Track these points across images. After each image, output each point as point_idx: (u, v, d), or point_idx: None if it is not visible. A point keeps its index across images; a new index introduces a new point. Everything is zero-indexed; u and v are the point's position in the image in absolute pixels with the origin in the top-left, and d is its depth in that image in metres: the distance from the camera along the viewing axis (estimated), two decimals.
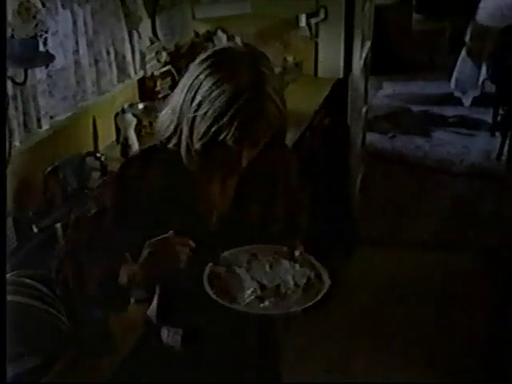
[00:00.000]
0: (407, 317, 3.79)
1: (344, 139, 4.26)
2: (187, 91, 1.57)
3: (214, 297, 1.54)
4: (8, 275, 1.88)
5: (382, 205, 4.90)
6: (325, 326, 3.67)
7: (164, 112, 1.67)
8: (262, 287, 1.57)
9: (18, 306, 1.74)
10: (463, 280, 4.10)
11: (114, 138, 3.12)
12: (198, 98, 1.54)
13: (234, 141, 1.53)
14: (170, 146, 1.64)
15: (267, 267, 1.62)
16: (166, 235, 1.55)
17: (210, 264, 1.60)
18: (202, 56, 1.59)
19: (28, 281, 1.81)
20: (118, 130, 3.08)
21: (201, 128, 1.54)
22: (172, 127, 1.62)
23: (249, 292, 1.56)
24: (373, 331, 3.68)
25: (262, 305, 1.55)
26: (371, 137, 5.67)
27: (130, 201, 1.65)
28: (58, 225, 2.49)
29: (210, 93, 1.52)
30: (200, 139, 1.55)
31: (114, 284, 1.58)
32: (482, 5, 6.16)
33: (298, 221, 1.85)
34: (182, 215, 1.66)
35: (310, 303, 1.55)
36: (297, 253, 1.66)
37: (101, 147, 3.02)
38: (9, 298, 1.72)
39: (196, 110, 1.54)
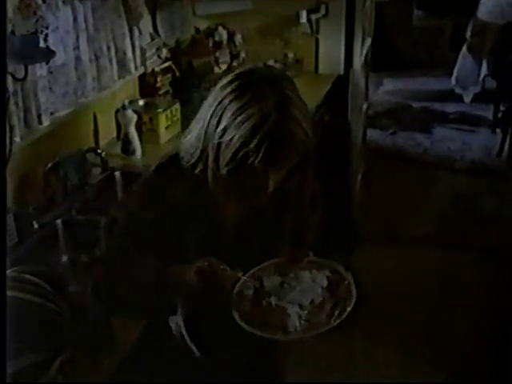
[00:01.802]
0: (407, 314, 3.79)
1: (345, 135, 4.26)
2: (211, 117, 1.56)
3: (267, 335, 1.53)
4: (8, 271, 1.87)
5: (383, 201, 4.89)
6: None
7: (188, 138, 1.65)
8: (300, 307, 1.58)
9: (17, 302, 1.73)
10: (463, 277, 4.10)
11: (115, 134, 3.12)
12: (223, 123, 1.52)
13: (262, 165, 1.51)
14: (196, 171, 1.62)
15: (298, 287, 1.62)
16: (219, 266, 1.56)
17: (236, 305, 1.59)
18: (225, 80, 1.58)
19: (28, 277, 1.80)
20: (118, 126, 3.08)
21: (227, 154, 1.53)
22: (197, 153, 1.61)
23: (295, 318, 1.55)
24: (372, 329, 3.68)
25: (310, 324, 1.54)
26: (372, 133, 5.67)
27: (155, 209, 1.66)
28: (59, 221, 2.50)
29: (235, 118, 1.51)
30: (226, 165, 1.54)
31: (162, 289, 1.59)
32: (482, 1, 6.15)
33: (307, 238, 1.83)
34: (198, 230, 1.66)
35: (349, 308, 1.55)
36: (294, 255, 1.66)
37: (101, 143, 3.02)
38: (9, 293, 1.72)
39: (221, 136, 1.53)
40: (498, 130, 5.95)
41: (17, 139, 2.46)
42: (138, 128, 3.05)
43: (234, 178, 1.57)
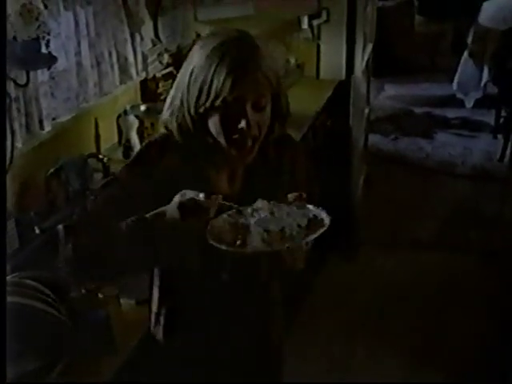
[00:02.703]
0: (408, 317, 3.80)
1: (346, 141, 4.26)
2: (183, 66, 1.63)
3: (221, 247, 1.51)
4: (9, 276, 1.88)
5: (385, 206, 4.90)
6: (326, 326, 3.68)
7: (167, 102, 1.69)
8: (267, 232, 1.55)
9: (19, 308, 1.74)
10: (465, 281, 4.11)
11: (116, 139, 3.12)
12: (192, 65, 1.59)
13: (231, 90, 1.53)
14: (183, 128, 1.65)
15: (268, 214, 1.60)
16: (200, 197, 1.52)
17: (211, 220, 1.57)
18: None
19: (29, 282, 1.81)
20: (120, 131, 3.08)
21: (196, 87, 1.56)
22: (176, 105, 1.64)
23: (256, 237, 1.54)
24: (373, 332, 3.68)
25: (268, 245, 1.54)
26: (373, 138, 5.68)
27: (146, 182, 1.66)
28: (60, 226, 2.49)
29: (200, 53, 1.58)
30: (197, 101, 1.57)
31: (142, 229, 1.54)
32: (484, 7, 6.16)
33: None
34: None
35: (314, 235, 1.54)
36: (291, 197, 1.62)
37: (103, 149, 3.02)
38: (10, 299, 1.73)
39: (191, 74, 1.58)
40: (499, 136, 5.95)
41: (18, 145, 2.45)
42: (140, 133, 3.05)
43: (212, 122, 1.59)
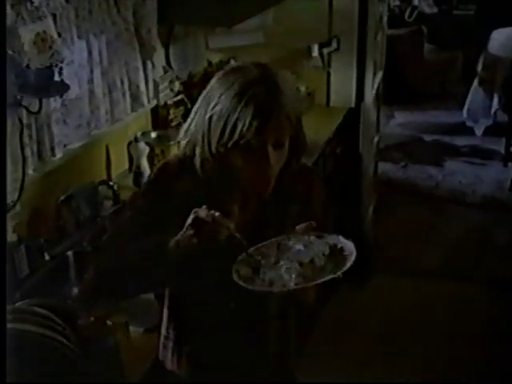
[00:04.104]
0: (419, 346, 3.78)
1: (356, 168, 4.27)
2: (202, 99, 1.63)
3: (252, 288, 1.52)
4: (19, 303, 1.88)
5: (394, 234, 4.88)
6: (336, 355, 3.66)
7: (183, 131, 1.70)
8: (300, 264, 1.56)
9: (28, 335, 1.74)
10: (476, 310, 4.08)
11: (127, 166, 3.14)
12: (213, 102, 1.58)
13: (255, 133, 1.53)
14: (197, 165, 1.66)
15: (300, 246, 1.61)
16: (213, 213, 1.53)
17: (239, 259, 1.58)
18: None
19: (38, 309, 1.81)
20: (130, 158, 3.10)
21: (218, 127, 1.56)
22: (199, 138, 1.64)
23: (291, 272, 1.55)
24: (384, 360, 3.66)
25: (304, 280, 1.54)
26: (383, 166, 5.67)
27: (162, 204, 1.67)
28: (70, 252, 2.50)
29: (222, 92, 1.57)
30: (219, 141, 1.57)
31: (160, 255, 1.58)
32: (493, 35, 6.18)
33: None
34: None
35: (347, 266, 1.55)
36: (299, 228, 1.63)
37: (113, 175, 3.03)
38: (19, 326, 1.72)
39: (211, 116, 1.58)
40: (509, 164, 5.94)
41: (30, 171, 2.47)
42: (150, 160, 3.06)
43: (232, 159, 1.59)
